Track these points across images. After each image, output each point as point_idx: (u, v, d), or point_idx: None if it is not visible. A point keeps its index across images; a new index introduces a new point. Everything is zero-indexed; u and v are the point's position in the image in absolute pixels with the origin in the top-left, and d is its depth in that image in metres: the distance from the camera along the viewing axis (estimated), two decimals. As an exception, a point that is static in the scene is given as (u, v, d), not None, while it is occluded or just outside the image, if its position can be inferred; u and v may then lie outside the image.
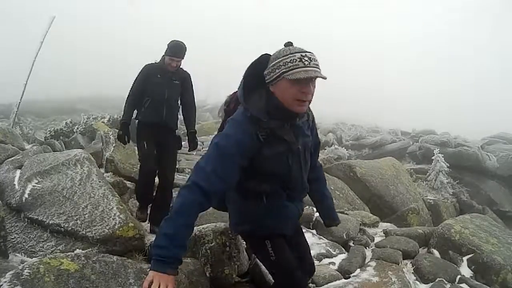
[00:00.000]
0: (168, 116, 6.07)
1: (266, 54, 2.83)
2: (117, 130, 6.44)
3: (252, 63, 2.84)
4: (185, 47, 5.96)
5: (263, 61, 2.80)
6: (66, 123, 20.49)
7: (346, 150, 23.42)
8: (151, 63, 6.12)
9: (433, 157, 19.52)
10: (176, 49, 5.89)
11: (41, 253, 4.02)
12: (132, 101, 6.07)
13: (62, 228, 4.25)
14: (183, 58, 6.01)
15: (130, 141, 6.38)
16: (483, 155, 21.81)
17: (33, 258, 2.86)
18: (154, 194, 6.26)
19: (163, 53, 5.97)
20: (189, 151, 7.31)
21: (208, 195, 2.58)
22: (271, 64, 2.72)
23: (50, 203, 4.58)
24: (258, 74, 2.81)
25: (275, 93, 2.73)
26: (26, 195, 4.70)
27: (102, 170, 7.84)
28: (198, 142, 7.11)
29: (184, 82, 6.20)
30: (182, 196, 2.57)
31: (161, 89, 5.96)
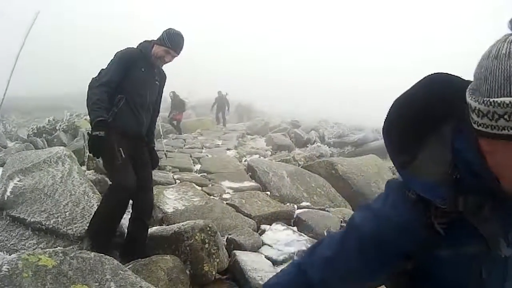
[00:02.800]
0: (149, 125, 4.81)
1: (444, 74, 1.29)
2: (89, 134, 4.19)
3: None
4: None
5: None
6: (48, 120, 20.33)
7: (329, 147, 23.40)
8: (132, 48, 4.61)
9: (416, 155, 19.63)
10: (178, 41, 4.58)
11: (23, 251, 4.01)
12: (107, 93, 4.26)
13: (43, 226, 4.27)
14: (178, 55, 4.72)
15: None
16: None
17: (12, 255, 2.86)
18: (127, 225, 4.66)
19: (153, 40, 4.63)
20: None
21: None
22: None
23: (31, 200, 4.60)
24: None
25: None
26: (8, 193, 4.71)
27: (84, 168, 7.83)
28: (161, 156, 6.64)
29: (162, 84, 4.93)
30: None
31: (143, 88, 4.53)
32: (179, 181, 8.32)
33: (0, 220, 4.49)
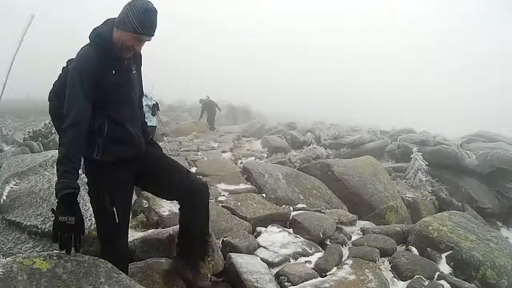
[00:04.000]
0: (143, 131, 3.84)
1: None
2: (54, 214, 2.93)
3: None
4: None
5: None
6: (45, 124, 20.27)
7: (325, 149, 23.40)
8: (86, 49, 3.30)
9: (411, 156, 19.65)
10: (150, 21, 3.22)
11: (20, 254, 4.00)
12: (78, 139, 3.12)
13: (39, 230, 4.27)
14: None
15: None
16: (462, 153, 21.94)
17: (7, 258, 2.87)
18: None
19: (111, 20, 3.39)
20: None
21: None
22: None
23: (27, 204, 4.61)
24: None
25: None
26: (4, 197, 4.72)
27: (80, 171, 7.83)
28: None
29: (139, 69, 3.80)
30: None
31: (123, 96, 3.48)
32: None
33: (-3, 224, 4.50)
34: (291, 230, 6.33)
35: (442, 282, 5.24)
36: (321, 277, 5.04)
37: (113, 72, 3.32)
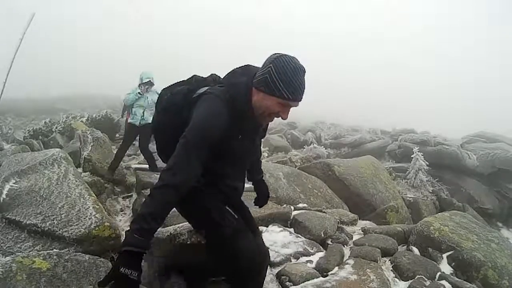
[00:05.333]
0: (255, 169, 4.03)
1: None
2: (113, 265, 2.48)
3: None
4: None
5: None
6: (45, 122, 20.36)
7: (325, 149, 23.45)
8: (217, 101, 2.82)
9: (412, 156, 19.64)
10: (300, 85, 2.73)
11: (19, 253, 3.97)
12: (172, 202, 2.68)
13: (39, 228, 4.24)
14: None
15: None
16: (463, 153, 21.94)
17: (6, 257, 2.85)
18: None
19: (244, 77, 2.90)
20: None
21: None
22: None
23: (27, 203, 4.57)
24: None
25: None
26: (3, 196, 4.68)
27: (80, 170, 7.82)
28: None
29: (264, 133, 3.63)
30: None
31: (240, 164, 3.25)
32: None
33: (-4, 222, 4.47)
34: (292, 230, 6.29)
35: (444, 282, 5.21)
36: (323, 277, 5.01)
37: (239, 137, 2.96)
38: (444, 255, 5.92)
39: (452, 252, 5.89)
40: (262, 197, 3.90)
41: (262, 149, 18.40)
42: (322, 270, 5.16)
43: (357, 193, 10.87)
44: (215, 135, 2.71)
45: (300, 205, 7.96)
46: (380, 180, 12.16)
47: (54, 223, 4.27)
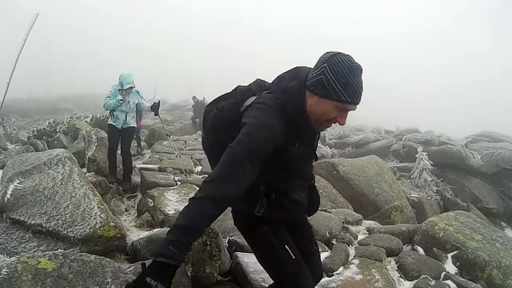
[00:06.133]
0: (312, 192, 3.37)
1: None
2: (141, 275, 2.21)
3: None
4: None
5: None
6: (49, 122, 20.37)
7: (330, 148, 23.45)
8: (266, 108, 2.53)
9: (416, 155, 19.63)
10: (358, 85, 2.46)
11: (24, 253, 3.98)
12: (211, 218, 2.42)
13: (43, 229, 4.23)
14: None
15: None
16: (467, 153, 21.92)
17: (11, 258, 2.83)
18: None
19: (299, 79, 2.58)
20: None
21: None
22: None
23: (32, 203, 4.57)
24: None
25: None
26: (8, 196, 4.67)
27: (84, 170, 7.81)
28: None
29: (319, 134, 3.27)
30: None
31: (303, 169, 2.95)
32: (180, 183, 8.29)
33: (0, 222, 4.44)
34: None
35: (448, 282, 5.21)
36: (328, 276, 5.01)
37: (296, 144, 2.65)
38: (449, 255, 5.91)
39: (457, 251, 5.89)
40: (312, 204, 3.30)
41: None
42: (328, 269, 5.15)
43: (361, 192, 10.86)
44: (265, 146, 2.42)
45: (305, 205, 7.94)
46: (384, 180, 12.15)
47: (58, 223, 4.27)
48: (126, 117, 9.01)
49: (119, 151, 9.11)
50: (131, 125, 9.10)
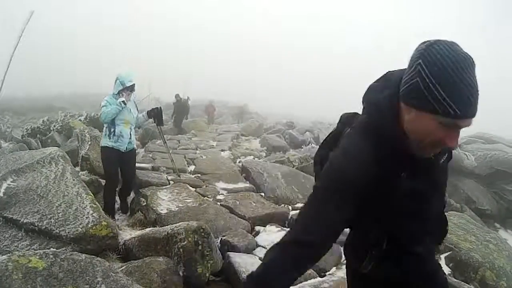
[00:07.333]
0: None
1: None
2: None
3: None
4: None
5: None
6: (43, 121, 20.28)
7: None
8: (354, 135, 1.94)
9: (411, 156, 19.69)
10: (471, 91, 1.53)
11: (16, 252, 3.99)
12: (292, 269, 1.80)
13: (36, 227, 4.24)
14: None
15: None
16: (461, 154, 21.95)
17: (3, 256, 2.83)
18: None
19: (392, 87, 1.82)
20: None
21: None
22: None
23: (24, 201, 4.58)
24: None
25: None
26: (1, 194, 4.69)
27: (78, 169, 7.79)
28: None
29: (449, 156, 2.32)
30: None
31: (421, 208, 2.00)
32: (172, 182, 8.28)
33: (-7, 221, 4.47)
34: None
35: (442, 283, 5.22)
36: (320, 277, 5.02)
37: (403, 174, 1.86)
38: (442, 256, 5.93)
39: (450, 252, 5.90)
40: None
41: (260, 148, 18.35)
42: (320, 270, 5.16)
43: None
44: (352, 178, 1.78)
45: (298, 205, 7.94)
46: (378, 180, 12.16)
47: (51, 222, 4.27)
48: (130, 133, 6.64)
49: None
50: (134, 146, 6.94)
